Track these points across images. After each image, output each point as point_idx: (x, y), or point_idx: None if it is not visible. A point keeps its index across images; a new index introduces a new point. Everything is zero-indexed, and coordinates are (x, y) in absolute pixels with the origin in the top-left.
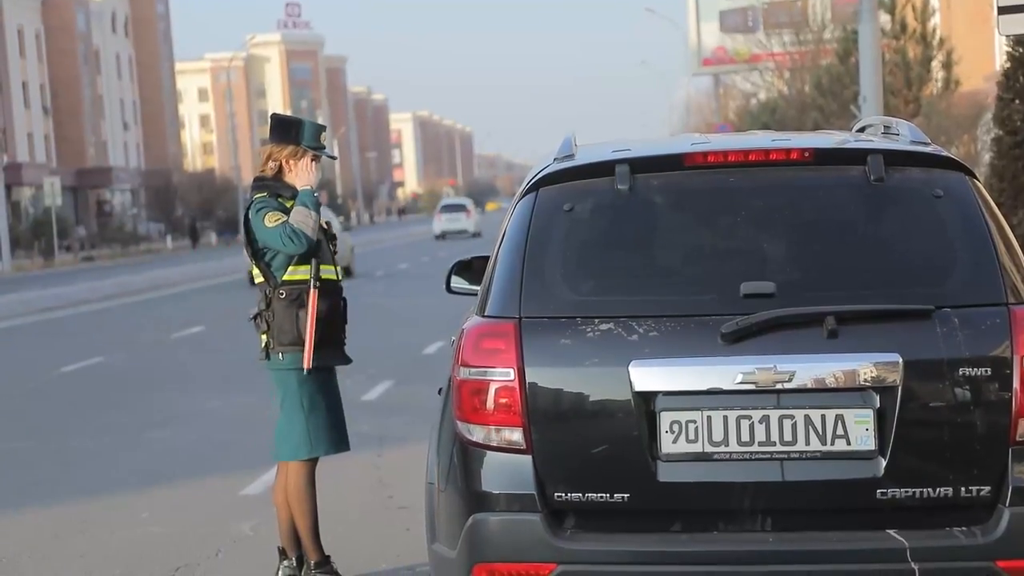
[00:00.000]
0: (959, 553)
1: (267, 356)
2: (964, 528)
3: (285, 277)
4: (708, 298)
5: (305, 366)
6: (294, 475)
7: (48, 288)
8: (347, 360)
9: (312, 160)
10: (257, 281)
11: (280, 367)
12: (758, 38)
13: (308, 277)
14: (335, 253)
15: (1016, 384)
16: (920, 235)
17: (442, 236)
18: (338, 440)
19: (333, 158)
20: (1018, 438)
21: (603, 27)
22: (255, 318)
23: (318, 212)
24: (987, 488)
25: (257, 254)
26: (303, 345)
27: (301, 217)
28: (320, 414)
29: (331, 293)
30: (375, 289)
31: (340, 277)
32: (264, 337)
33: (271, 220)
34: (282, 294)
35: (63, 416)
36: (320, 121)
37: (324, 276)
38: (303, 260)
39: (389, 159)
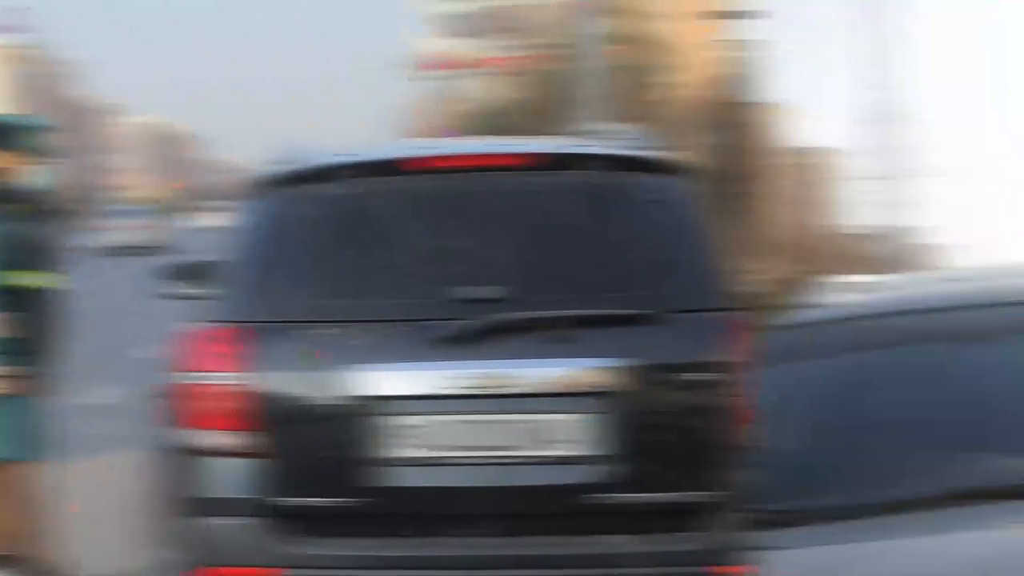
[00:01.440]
0: (684, 559)
1: None
2: (684, 533)
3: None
4: (430, 303)
5: None
6: None
7: None
8: None
9: (33, 163)
10: None
11: None
12: (480, 43)
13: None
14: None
15: (733, 389)
16: (640, 239)
17: None
18: None
19: (57, 161)
20: (735, 443)
21: (322, 24)
22: None
23: None
24: (706, 492)
25: None
26: None
27: None
28: None
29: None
30: None
31: None
32: None
33: None
34: None
35: None
36: (43, 123)
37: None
38: None
39: (111, 164)
